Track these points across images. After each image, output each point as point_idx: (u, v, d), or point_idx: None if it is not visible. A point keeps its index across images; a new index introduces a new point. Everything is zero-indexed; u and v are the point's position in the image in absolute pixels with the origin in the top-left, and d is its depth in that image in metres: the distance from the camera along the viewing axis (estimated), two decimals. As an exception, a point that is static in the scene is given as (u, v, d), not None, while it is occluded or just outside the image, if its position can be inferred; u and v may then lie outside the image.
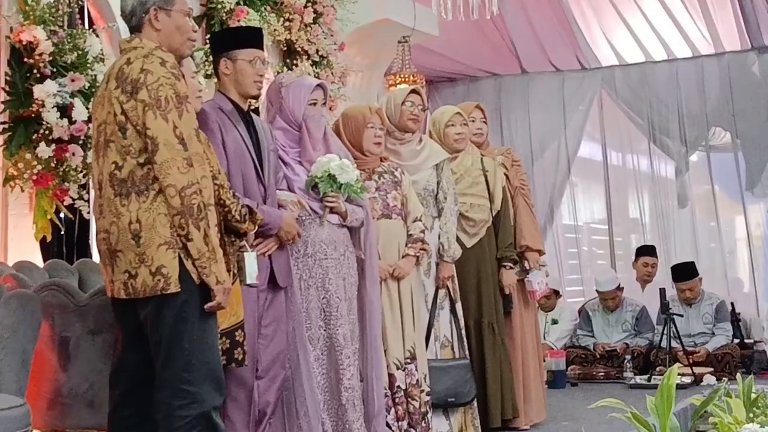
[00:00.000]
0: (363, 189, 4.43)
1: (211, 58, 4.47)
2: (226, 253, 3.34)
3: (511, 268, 5.50)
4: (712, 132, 9.32)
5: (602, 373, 7.81)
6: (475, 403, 5.14)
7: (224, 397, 3.38)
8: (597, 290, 8.36)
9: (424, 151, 5.20)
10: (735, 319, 8.08)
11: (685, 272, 8.09)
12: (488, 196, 5.46)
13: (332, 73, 6.69)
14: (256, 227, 3.73)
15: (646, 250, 8.89)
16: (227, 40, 4.11)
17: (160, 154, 3.11)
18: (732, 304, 8.20)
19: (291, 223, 4.04)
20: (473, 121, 5.64)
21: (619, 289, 8.31)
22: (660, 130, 9.35)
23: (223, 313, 3.34)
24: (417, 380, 4.77)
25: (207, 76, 5.37)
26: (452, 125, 5.42)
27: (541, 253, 5.81)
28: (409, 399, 4.74)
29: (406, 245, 4.84)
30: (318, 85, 4.42)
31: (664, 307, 7.40)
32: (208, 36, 5.56)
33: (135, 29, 3.35)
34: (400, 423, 4.67)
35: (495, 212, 5.49)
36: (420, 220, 4.92)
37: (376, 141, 4.81)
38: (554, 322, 8.44)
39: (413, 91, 5.22)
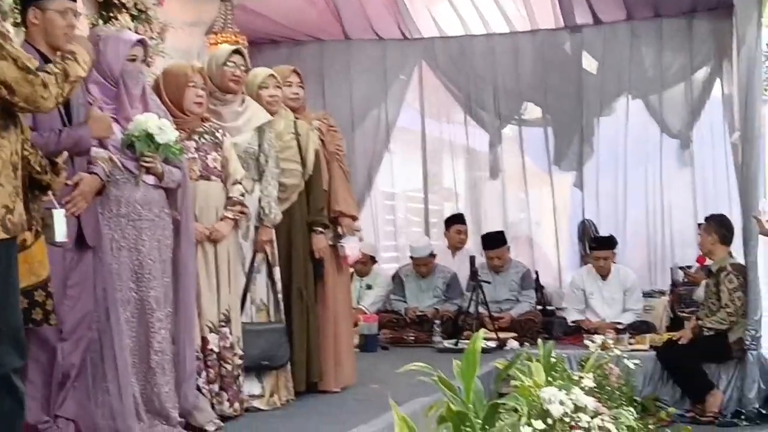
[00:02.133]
0: (181, 150, 4.35)
1: (20, 5, 4.24)
2: (28, 209, 3.21)
3: (321, 232, 5.50)
4: (525, 107, 9.64)
5: (413, 338, 8.01)
6: (288, 366, 5.18)
7: (26, 359, 3.26)
8: (411, 256, 8.56)
9: (246, 112, 5.15)
10: (539, 287, 8.47)
11: (494, 241, 8.41)
12: (300, 160, 5.45)
13: (151, 29, 6.49)
14: (62, 181, 3.58)
15: (456, 219, 9.16)
16: (38, -12, 3.91)
17: None
18: (536, 272, 8.59)
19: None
20: (289, 85, 5.60)
21: (432, 255, 8.53)
22: (476, 102, 9.59)
23: (21, 273, 3.22)
24: (231, 343, 4.76)
25: (15, 25, 5.09)
26: (265, 87, 5.36)
27: (354, 218, 5.87)
28: (222, 362, 4.72)
29: (225, 208, 4.79)
30: (138, 40, 4.29)
31: (473, 274, 7.66)
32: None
33: None
34: (211, 386, 4.65)
35: (307, 177, 5.47)
36: (240, 183, 4.88)
37: (197, 101, 4.74)
38: (368, 287, 8.59)
39: (236, 52, 5.15)
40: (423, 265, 8.48)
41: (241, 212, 4.86)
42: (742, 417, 6.59)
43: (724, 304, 6.79)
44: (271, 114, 5.29)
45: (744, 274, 6.79)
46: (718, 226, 7.06)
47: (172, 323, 4.31)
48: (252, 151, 5.10)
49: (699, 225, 7.89)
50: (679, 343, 6.89)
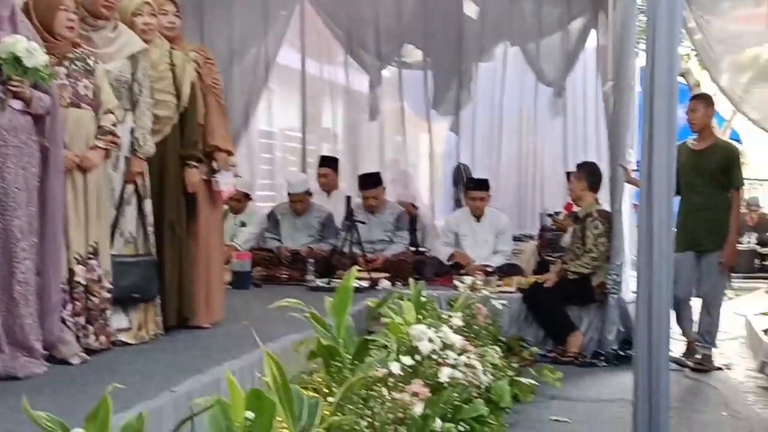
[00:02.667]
0: (51, 75, 4.19)
1: None
2: None
3: (195, 167, 5.38)
4: (405, 49, 9.66)
5: (286, 276, 8.01)
6: (158, 300, 5.11)
7: None
8: (288, 192, 8.52)
9: (118, 39, 4.97)
10: (413, 228, 8.57)
11: (370, 181, 8.46)
12: (175, 92, 5.33)
13: (20, -51, 6.20)
14: None
15: (322, 161, 9.18)
16: None
17: None
18: (416, 212, 8.68)
19: None
20: (165, 14, 5.42)
21: (308, 193, 8.53)
22: (357, 42, 9.56)
23: None
24: (98, 276, 4.65)
25: None
26: (139, 14, 5.18)
27: (230, 153, 5.79)
28: (89, 295, 4.62)
29: (96, 137, 4.66)
30: (6, -40, 4.09)
31: (349, 214, 7.69)
32: None
33: None
34: (76, 319, 4.54)
35: (182, 110, 5.35)
36: (112, 113, 4.74)
37: (68, 25, 4.56)
38: (242, 224, 8.54)
39: (109, -23, 4.96)
40: (299, 202, 8.45)
41: (113, 142, 4.73)
42: (601, 358, 6.85)
43: (588, 249, 7.01)
44: (145, 42, 5.12)
45: (609, 220, 7.02)
46: (588, 174, 7.26)
47: (37, 254, 4.19)
48: (124, 79, 4.95)
49: (568, 174, 8.10)
50: (544, 286, 7.09)
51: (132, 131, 4.95)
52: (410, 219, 8.69)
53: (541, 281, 7.20)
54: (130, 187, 4.97)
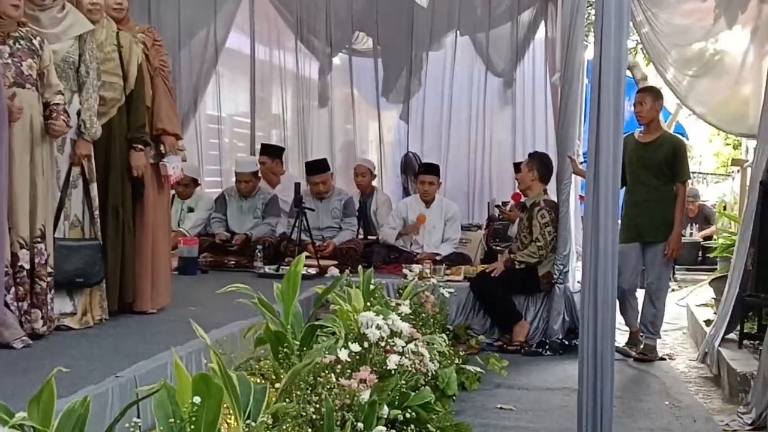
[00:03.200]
0: None
1: None
2: None
3: (141, 150, 5.31)
4: (356, 35, 9.64)
5: (233, 262, 7.96)
6: (104, 284, 5.05)
7: None
8: (235, 171, 8.47)
9: (66, 19, 4.89)
10: (362, 215, 8.55)
11: (317, 167, 8.43)
12: (122, 74, 5.25)
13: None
14: None
15: (263, 149, 9.15)
16: None
17: None
18: (360, 201, 8.66)
19: None
20: None
21: (256, 176, 8.47)
22: (308, 28, 9.52)
23: None
24: (45, 260, 4.59)
25: None
26: None
27: (178, 137, 5.72)
28: (37, 279, 4.56)
29: (44, 116, 4.58)
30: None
31: (297, 201, 7.65)
32: None
33: None
34: (20, 303, 4.47)
35: (128, 92, 5.27)
36: (61, 93, 4.67)
37: (13, 3, 4.49)
38: (190, 210, 8.46)
39: (56, -45, 4.87)
40: (244, 182, 8.38)
41: (64, 122, 4.66)
42: (546, 347, 6.91)
43: (535, 238, 7.05)
44: (92, 22, 5.04)
45: (556, 210, 7.07)
46: (539, 164, 7.29)
47: (-22, 237, 4.11)
48: (71, 60, 4.88)
49: (517, 164, 8.13)
50: (492, 275, 7.13)
51: (78, 113, 4.88)
52: (360, 206, 8.68)
53: (489, 270, 7.23)
54: (76, 170, 4.91)
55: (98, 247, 4.98)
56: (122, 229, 5.28)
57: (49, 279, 4.61)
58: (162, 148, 5.60)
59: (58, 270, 4.69)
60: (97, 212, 5.02)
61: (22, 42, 4.55)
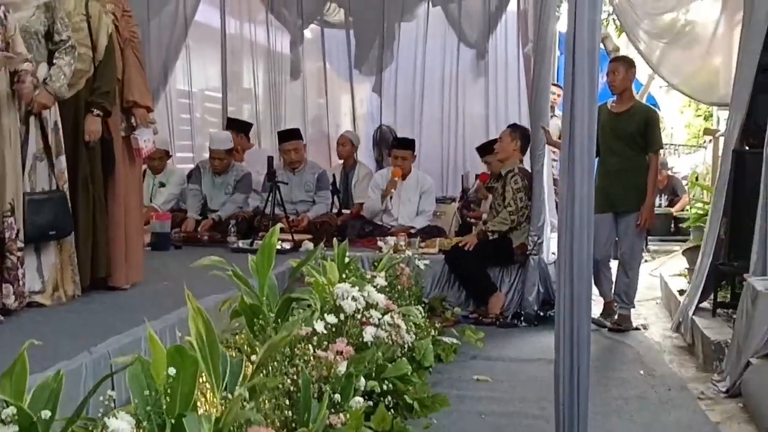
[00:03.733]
0: None
1: None
2: None
3: (98, 114, 5.16)
4: (328, 7, 9.55)
5: (207, 237, 7.90)
6: (75, 259, 4.98)
7: None
8: (210, 147, 8.40)
9: None
10: (335, 189, 8.51)
11: (290, 135, 8.39)
12: (90, 44, 5.16)
13: None
14: None
15: (229, 123, 9.10)
16: None
17: None
18: (334, 175, 8.62)
19: None
20: None
21: (230, 153, 8.40)
22: (278, 1, 9.43)
23: None
24: (16, 234, 4.52)
25: None
26: None
27: (149, 110, 5.65)
28: (7, 253, 4.49)
29: (10, 83, 4.50)
30: None
31: (270, 174, 7.59)
32: None
33: None
34: (-12, 279, 4.42)
35: (97, 63, 5.17)
36: (28, 61, 4.60)
37: (-26, -28, 4.38)
38: (162, 185, 8.38)
39: None
40: (218, 159, 8.31)
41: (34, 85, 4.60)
42: (522, 318, 6.93)
43: (507, 203, 7.04)
44: None
45: (529, 179, 7.08)
46: (521, 136, 7.28)
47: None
48: (33, 30, 4.77)
49: (482, 147, 8.10)
50: (465, 248, 7.12)
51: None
52: (342, 179, 8.65)
53: (462, 244, 7.22)
54: (40, 144, 4.79)
55: (65, 197, 4.88)
56: (93, 203, 5.20)
57: (19, 254, 4.54)
58: (133, 120, 5.52)
59: (30, 225, 4.61)
60: (66, 185, 4.93)
61: (-15, 13, 4.47)
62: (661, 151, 7.39)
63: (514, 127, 7.43)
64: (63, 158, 4.93)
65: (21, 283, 4.56)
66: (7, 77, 4.53)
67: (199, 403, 2.83)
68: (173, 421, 2.55)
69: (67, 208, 4.88)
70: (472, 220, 8.10)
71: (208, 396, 2.93)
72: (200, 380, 2.81)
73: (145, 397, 2.59)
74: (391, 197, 8.03)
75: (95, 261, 5.25)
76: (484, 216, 7.79)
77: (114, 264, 5.38)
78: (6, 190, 4.49)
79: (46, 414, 2.36)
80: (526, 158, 7.31)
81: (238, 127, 9.05)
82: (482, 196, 8.14)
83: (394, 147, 8.34)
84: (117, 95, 5.36)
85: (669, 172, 12.07)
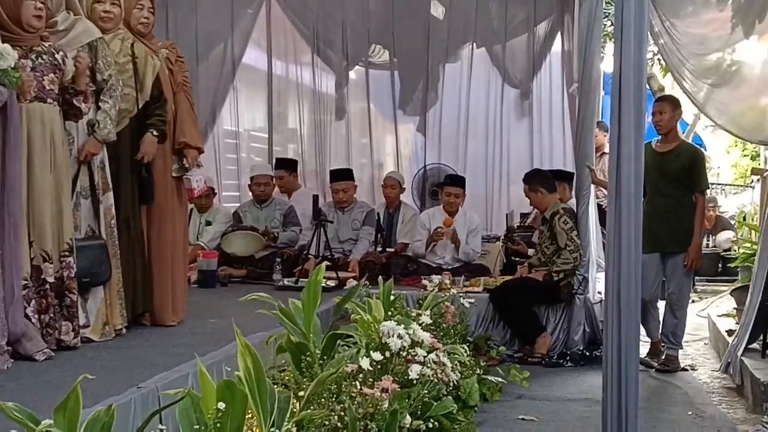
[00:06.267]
0: (20, 78, 4.16)
1: None
2: None
3: (156, 136, 5.25)
4: (373, 48, 9.65)
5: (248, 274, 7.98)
6: (122, 292, 5.05)
7: None
8: (250, 176, 8.52)
9: (73, 30, 4.89)
10: (380, 229, 8.53)
11: (342, 175, 8.47)
12: (135, 85, 5.25)
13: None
14: None
15: (278, 163, 9.20)
16: None
17: None
18: (378, 213, 8.66)
19: None
20: (141, 8, 5.36)
21: (272, 180, 8.48)
22: (324, 42, 9.54)
23: None
24: (75, 273, 4.61)
25: None
26: (100, 2, 5.14)
27: (200, 151, 5.75)
28: (66, 292, 4.59)
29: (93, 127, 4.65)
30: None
31: (316, 213, 7.65)
32: None
33: None
34: (42, 316, 4.49)
35: (142, 103, 5.25)
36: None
37: (36, 14, 4.52)
38: (208, 223, 8.48)
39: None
40: (264, 184, 8.42)
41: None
42: (567, 358, 6.88)
43: (563, 244, 7.01)
44: (103, 31, 5.04)
45: (575, 217, 7.06)
46: (536, 182, 7.28)
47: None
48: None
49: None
50: (533, 278, 7.10)
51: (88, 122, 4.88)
52: (387, 218, 8.70)
53: (526, 276, 7.20)
54: (85, 179, 4.89)
55: (102, 246, 4.93)
56: (133, 242, 5.28)
57: (77, 292, 4.64)
58: (185, 161, 5.62)
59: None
60: (114, 221, 5.01)
61: (44, 57, 4.58)
62: (708, 191, 7.34)
63: (525, 182, 7.41)
64: (110, 195, 5.01)
65: (79, 320, 4.65)
66: (61, 121, 4.64)
67: (247, 438, 2.85)
68: (222, 455, 2.57)
69: (104, 255, 4.92)
70: (516, 259, 8.07)
71: (255, 431, 2.95)
72: (248, 415, 2.83)
73: (194, 431, 2.61)
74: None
75: (135, 297, 5.32)
76: (530, 251, 7.77)
77: (161, 301, 5.45)
78: (64, 230, 4.59)
79: (98, 447, 2.39)
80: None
81: (288, 165, 9.16)
82: (534, 226, 8.10)
83: (445, 184, 8.35)
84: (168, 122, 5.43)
85: (717, 212, 11.97)
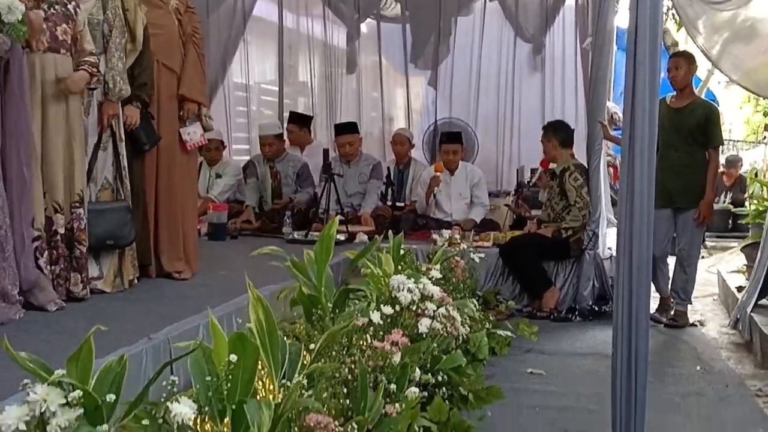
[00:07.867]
0: (26, 33, 4.13)
1: None
2: None
3: (137, 106, 5.19)
4: (384, 1, 9.56)
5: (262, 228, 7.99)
6: (134, 245, 5.07)
7: None
8: (259, 135, 8.50)
9: None
10: (390, 183, 8.52)
11: (347, 128, 8.44)
12: (127, 36, 5.18)
13: None
14: None
15: (291, 118, 9.15)
16: None
17: None
18: (389, 168, 8.64)
19: None
20: None
21: (279, 138, 8.47)
22: (335, -6, 9.48)
23: None
24: (84, 225, 4.63)
25: None
26: None
27: (201, 105, 5.72)
28: (75, 243, 4.61)
29: (79, 63, 4.58)
30: None
31: (326, 167, 7.64)
32: None
33: None
34: (53, 267, 4.51)
35: (137, 54, 5.18)
36: (95, 55, 4.68)
37: (46, -36, 4.47)
38: (218, 176, 8.48)
39: None
40: (268, 145, 8.39)
41: (96, 71, 4.66)
42: (576, 313, 6.89)
43: (573, 201, 7.00)
44: None
45: (586, 173, 7.04)
46: (555, 132, 7.26)
47: (2, 197, 4.11)
48: (95, 21, 4.85)
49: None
50: (542, 236, 7.10)
51: (104, 74, 4.86)
52: (398, 175, 8.68)
53: (536, 232, 7.20)
54: (105, 133, 4.90)
55: (127, 208, 4.97)
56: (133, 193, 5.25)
57: (86, 243, 4.65)
58: (181, 113, 5.60)
59: (89, 234, 4.71)
60: (125, 172, 5.02)
61: (56, 7, 4.54)
62: (721, 147, 7.29)
63: (545, 129, 7.41)
64: (123, 144, 5.04)
65: (89, 271, 4.67)
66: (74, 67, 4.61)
67: (258, 389, 2.86)
68: (234, 407, 2.58)
69: (128, 218, 4.95)
70: (527, 214, 8.06)
71: (266, 383, 2.96)
72: (259, 367, 2.84)
73: (206, 383, 2.62)
74: (434, 195, 8.03)
75: (154, 250, 5.33)
76: (535, 212, 7.76)
77: (171, 254, 5.47)
78: (75, 181, 4.59)
79: (111, 397, 2.39)
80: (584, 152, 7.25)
81: (301, 120, 9.12)
82: (543, 184, 8.07)
83: (442, 142, 8.34)
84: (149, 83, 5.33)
85: (740, 171, 11.90)
